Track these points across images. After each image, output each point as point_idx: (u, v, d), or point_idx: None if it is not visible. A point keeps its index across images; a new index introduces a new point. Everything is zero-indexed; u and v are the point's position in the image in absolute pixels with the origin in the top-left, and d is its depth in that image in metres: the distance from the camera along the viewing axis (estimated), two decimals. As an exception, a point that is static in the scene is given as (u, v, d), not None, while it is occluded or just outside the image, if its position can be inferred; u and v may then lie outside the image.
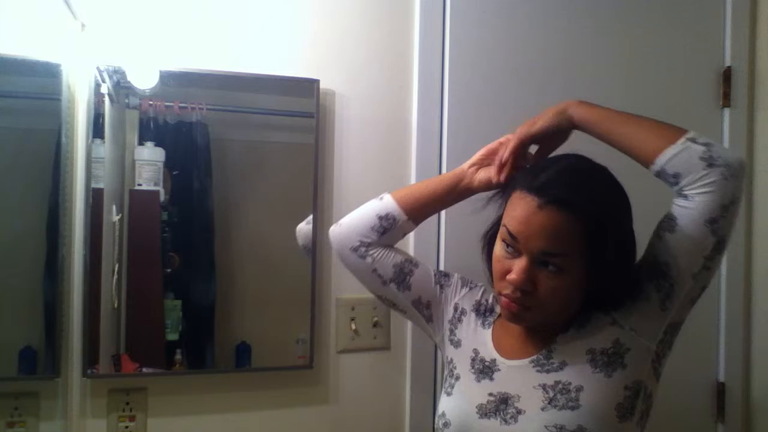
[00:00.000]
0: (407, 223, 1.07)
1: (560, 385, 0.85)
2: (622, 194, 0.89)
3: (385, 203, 1.07)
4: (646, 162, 0.87)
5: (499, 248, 0.89)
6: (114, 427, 1.28)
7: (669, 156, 0.84)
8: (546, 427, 0.83)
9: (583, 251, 0.83)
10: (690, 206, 0.83)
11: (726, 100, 1.62)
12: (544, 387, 0.86)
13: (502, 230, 0.88)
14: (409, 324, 1.43)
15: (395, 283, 1.06)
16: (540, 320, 0.90)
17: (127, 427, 1.28)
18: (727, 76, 1.62)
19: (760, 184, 1.63)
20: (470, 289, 1.07)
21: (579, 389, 0.84)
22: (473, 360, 0.97)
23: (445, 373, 1.05)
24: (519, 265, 0.84)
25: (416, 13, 1.44)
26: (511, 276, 0.85)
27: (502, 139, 1.02)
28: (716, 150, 0.82)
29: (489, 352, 0.96)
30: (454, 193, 1.05)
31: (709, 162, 0.81)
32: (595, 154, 0.90)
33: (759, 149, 1.63)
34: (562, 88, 1.51)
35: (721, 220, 0.82)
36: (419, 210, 1.07)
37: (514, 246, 0.86)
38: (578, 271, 0.84)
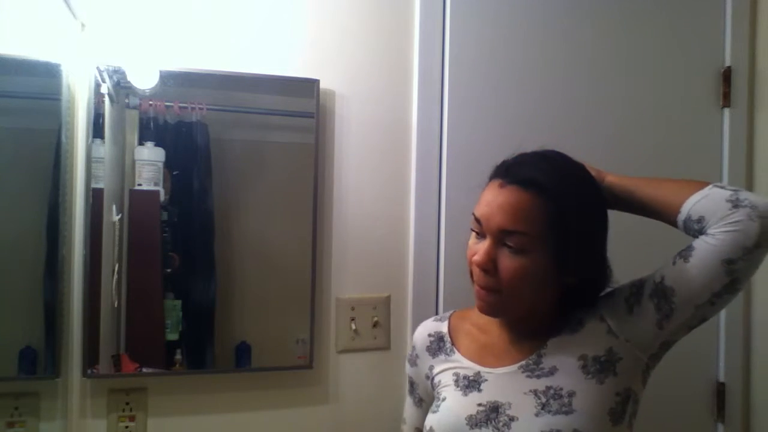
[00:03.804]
0: None
1: (552, 391, 0.85)
2: (591, 188, 0.89)
3: None
4: (672, 212, 0.87)
5: (470, 238, 0.91)
6: (114, 427, 1.28)
7: (695, 201, 0.84)
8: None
9: (544, 233, 0.84)
10: (711, 242, 0.82)
11: (726, 100, 1.62)
12: (535, 393, 0.86)
13: (471, 219, 0.90)
14: (409, 324, 1.44)
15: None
16: (511, 308, 0.90)
17: (127, 427, 1.28)
18: (727, 76, 1.62)
19: (761, 184, 1.62)
20: (417, 356, 1.05)
21: (571, 394, 0.84)
22: (456, 380, 0.95)
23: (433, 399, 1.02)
24: (482, 246, 0.87)
25: (416, 13, 1.44)
26: (475, 257, 0.87)
27: None
28: (743, 193, 0.82)
29: (469, 366, 0.95)
30: None
31: (735, 203, 0.81)
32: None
33: (759, 149, 1.63)
34: (562, 88, 1.52)
35: (740, 263, 0.80)
36: None
37: (480, 230, 0.88)
38: (540, 253, 0.84)
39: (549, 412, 0.84)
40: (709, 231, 0.82)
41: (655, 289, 0.87)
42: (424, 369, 1.03)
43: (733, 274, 0.81)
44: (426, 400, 1.05)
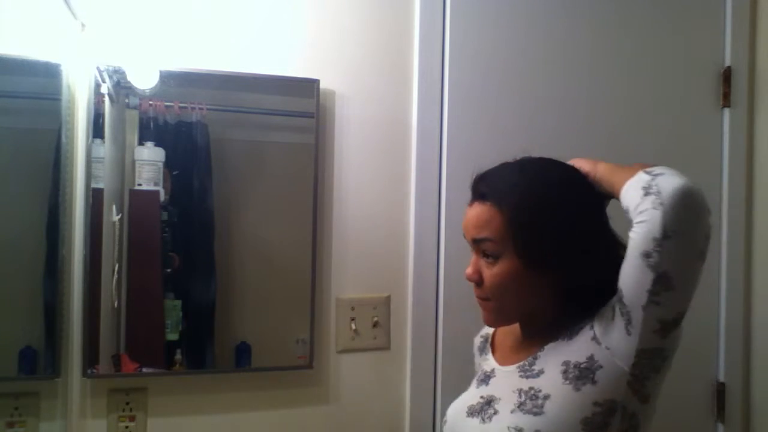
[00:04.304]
0: None
1: (532, 391, 0.86)
2: (557, 188, 0.89)
3: None
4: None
5: None
6: (114, 427, 1.28)
7: (625, 189, 0.82)
8: (508, 427, 0.83)
9: (506, 236, 0.87)
10: (631, 236, 0.79)
11: (726, 100, 1.62)
12: (519, 392, 0.88)
13: None
14: (409, 324, 1.44)
15: None
16: (507, 315, 0.95)
17: (127, 427, 1.28)
18: (727, 76, 1.62)
19: (760, 184, 1.63)
20: (474, 354, 1.13)
21: (546, 397, 0.84)
22: (479, 375, 1.03)
23: None
24: (471, 261, 0.93)
25: (416, 13, 1.44)
26: (465, 271, 0.93)
27: None
28: (660, 178, 0.77)
29: (490, 364, 1.01)
30: None
31: (647, 191, 0.77)
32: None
33: (759, 149, 1.63)
34: (562, 88, 1.52)
35: (656, 255, 0.75)
36: None
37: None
38: (511, 256, 0.87)
39: (522, 410, 0.85)
40: (633, 223, 0.79)
41: (618, 293, 0.84)
42: (477, 367, 1.10)
43: (656, 268, 0.76)
44: None
